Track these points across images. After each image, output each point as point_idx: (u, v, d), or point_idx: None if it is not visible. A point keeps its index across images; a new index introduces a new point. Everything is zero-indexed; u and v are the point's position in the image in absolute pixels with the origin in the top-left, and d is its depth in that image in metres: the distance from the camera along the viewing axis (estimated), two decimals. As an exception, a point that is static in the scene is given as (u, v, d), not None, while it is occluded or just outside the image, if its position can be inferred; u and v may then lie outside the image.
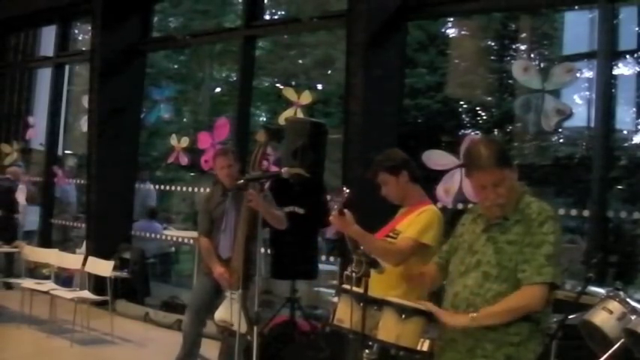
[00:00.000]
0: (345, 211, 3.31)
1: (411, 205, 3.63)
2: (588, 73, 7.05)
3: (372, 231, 3.61)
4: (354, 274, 3.49)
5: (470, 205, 5.07)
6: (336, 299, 3.05)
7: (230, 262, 4.74)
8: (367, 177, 3.71)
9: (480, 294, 2.67)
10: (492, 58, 10.45)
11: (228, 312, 4.50)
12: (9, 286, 7.99)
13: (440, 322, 2.76)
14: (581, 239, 6.93)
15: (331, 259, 6.84)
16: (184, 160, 8.26)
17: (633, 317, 3.35)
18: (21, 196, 9.68)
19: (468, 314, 2.64)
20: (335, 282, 3.77)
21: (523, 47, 9.77)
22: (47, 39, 11.01)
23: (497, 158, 2.65)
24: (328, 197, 5.85)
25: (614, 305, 3.43)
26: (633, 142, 8.38)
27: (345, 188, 3.32)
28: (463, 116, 10.66)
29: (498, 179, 2.66)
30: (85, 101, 9.21)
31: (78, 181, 10.10)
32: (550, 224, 2.65)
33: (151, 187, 10.11)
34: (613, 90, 5.76)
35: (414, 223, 3.50)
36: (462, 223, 2.95)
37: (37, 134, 10.49)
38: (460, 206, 5.69)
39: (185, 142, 8.21)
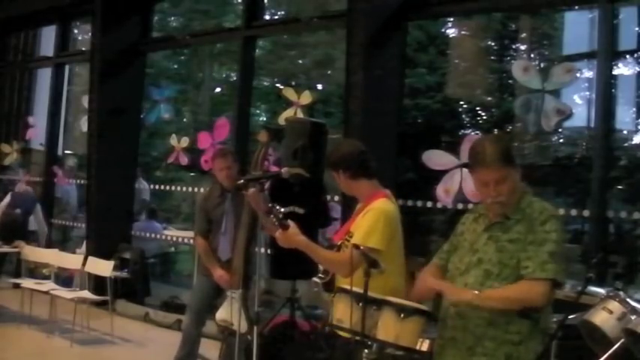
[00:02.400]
0: (289, 222, 3.24)
1: (363, 200, 3.48)
2: (588, 73, 7.05)
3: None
4: (320, 280, 3.50)
5: (470, 205, 5.07)
6: (326, 296, 3.03)
7: (230, 263, 4.74)
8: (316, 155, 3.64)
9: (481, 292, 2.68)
10: (492, 58, 10.45)
11: (228, 312, 4.50)
12: (17, 286, 7.96)
13: (442, 316, 2.76)
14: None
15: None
16: (184, 160, 8.26)
17: (633, 317, 3.35)
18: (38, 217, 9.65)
19: (473, 291, 2.64)
20: (316, 279, 3.73)
21: (523, 47, 9.77)
22: (47, 39, 11.01)
23: (503, 156, 2.66)
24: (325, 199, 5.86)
25: (614, 305, 3.43)
26: (633, 142, 8.38)
27: (274, 205, 3.20)
28: (463, 116, 10.66)
29: (501, 177, 2.66)
30: (85, 101, 9.21)
31: (78, 181, 10.10)
32: (552, 223, 2.66)
33: (144, 184, 10.09)
34: (613, 90, 5.76)
35: (359, 226, 3.33)
36: (462, 222, 2.96)
37: (37, 134, 10.49)
38: (460, 206, 5.69)
39: (185, 142, 8.22)
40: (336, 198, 6.50)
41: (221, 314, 4.60)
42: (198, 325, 5.04)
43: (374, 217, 3.29)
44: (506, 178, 2.67)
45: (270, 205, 3.27)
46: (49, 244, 9.39)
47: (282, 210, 3.21)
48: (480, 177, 2.71)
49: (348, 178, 3.45)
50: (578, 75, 5.67)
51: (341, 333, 3.05)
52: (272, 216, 3.22)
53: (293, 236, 3.27)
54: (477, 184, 2.76)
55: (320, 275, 3.58)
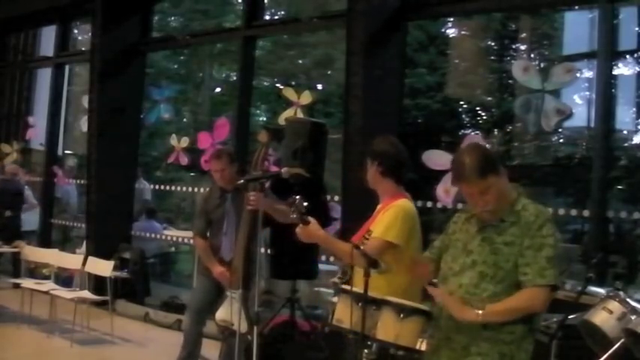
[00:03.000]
0: (310, 218, 3.28)
1: (383, 200, 3.56)
2: (588, 73, 7.04)
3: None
4: (339, 280, 3.52)
5: (463, 206, 5.07)
6: (335, 299, 3.05)
7: (231, 262, 4.73)
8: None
9: (475, 293, 2.68)
10: (492, 58, 10.45)
11: (228, 312, 4.50)
12: (17, 286, 7.97)
13: (437, 318, 2.75)
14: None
15: (331, 259, 6.84)
16: (184, 160, 8.26)
17: (633, 317, 3.36)
18: (31, 196, 9.74)
19: (475, 311, 2.64)
20: (336, 279, 3.74)
21: (523, 47, 9.76)
22: (47, 39, 11.01)
23: (480, 168, 2.64)
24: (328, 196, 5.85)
25: (614, 305, 3.43)
26: (633, 142, 8.37)
27: (297, 198, 3.25)
28: (463, 116, 10.66)
29: (483, 188, 2.66)
30: (85, 101, 9.21)
31: (78, 181, 10.10)
32: (548, 227, 2.67)
33: (145, 183, 10.09)
34: (613, 90, 5.76)
35: (380, 221, 3.43)
36: (454, 221, 2.95)
37: (37, 134, 10.50)
38: (460, 206, 5.68)
39: (185, 142, 8.21)
40: (336, 198, 6.50)
41: (221, 314, 4.60)
42: (198, 325, 5.04)
43: (394, 214, 3.40)
44: (489, 188, 2.66)
45: (293, 197, 3.31)
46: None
47: (305, 204, 3.26)
48: (464, 190, 2.73)
49: (379, 172, 3.53)
50: (578, 75, 5.67)
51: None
52: (293, 209, 3.26)
53: (314, 231, 3.33)
54: (464, 196, 2.77)
55: (339, 276, 3.60)
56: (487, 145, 2.86)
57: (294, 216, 3.27)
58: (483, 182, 2.65)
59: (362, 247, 3.12)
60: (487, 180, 2.65)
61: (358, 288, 2.88)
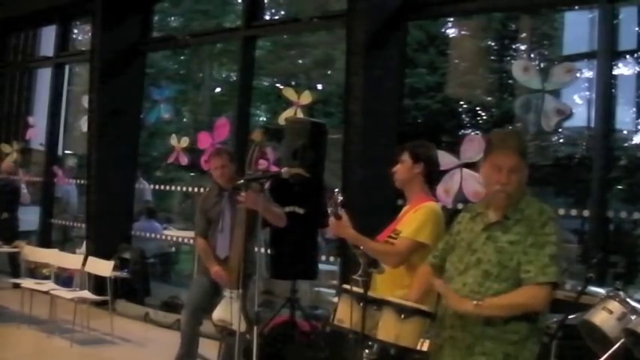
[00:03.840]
0: (342, 213, 3.33)
1: (411, 201, 3.62)
2: (588, 73, 7.04)
3: (374, 231, 3.63)
4: (360, 278, 3.54)
5: (468, 205, 5.06)
6: (336, 299, 3.06)
7: (227, 261, 4.74)
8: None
9: (480, 292, 2.68)
10: (492, 58, 10.45)
11: (226, 312, 4.50)
12: (16, 286, 7.97)
13: (440, 316, 2.76)
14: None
15: (331, 259, 6.84)
16: (184, 160, 8.25)
17: (633, 317, 3.36)
18: (25, 195, 9.76)
19: (472, 301, 2.64)
20: (335, 282, 3.77)
21: (523, 47, 9.77)
22: (47, 39, 11.00)
23: (523, 147, 2.73)
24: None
25: (614, 305, 3.44)
26: (633, 142, 8.37)
27: (336, 191, 3.33)
28: (463, 116, 10.66)
29: (516, 166, 2.69)
30: (85, 101, 9.21)
31: (78, 181, 10.10)
32: (551, 225, 2.67)
33: (145, 184, 10.10)
34: (613, 90, 5.76)
35: (411, 221, 3.49)
36: (458, 221, 2.96)
37: (37, 134, 10.49)
38: (460, 206, 5.68)
39: (185, 142, 8.21)
40: (336, 191, 6.48)
41: (218, 314, 4.60)
42: (194, 323, 5.03)
43: (425, 215, 3.47)
44: (519, 169, 2.70)
45: (332, 190, 3.44)
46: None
47: (341, 198, 3.36)
48: (497, 161, 2.71)
49: (421, 173, 3.60)
50: (578, 75, 5.66)
51: None
52: (331, 202, 3.35)
53: (344, 227, 3.39)
54: (490, 170, 2.74)
55: (360, 274, 3.61)
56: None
57: (331, 208, 3.36)
58: (520, 161, 2.70)
59: (362, 248, 3.14)
60: (523, 161, 2.71)
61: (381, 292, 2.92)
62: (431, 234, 3.41)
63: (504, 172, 2.69)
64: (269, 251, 5.97)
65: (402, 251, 3.40)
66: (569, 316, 3.47)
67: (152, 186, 10.20)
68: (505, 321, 2.66)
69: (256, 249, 4.59)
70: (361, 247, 3.09)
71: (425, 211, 3.49)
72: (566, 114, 5.57)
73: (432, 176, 3.68)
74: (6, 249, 8.64)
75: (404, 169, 3.60)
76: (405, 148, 3.64)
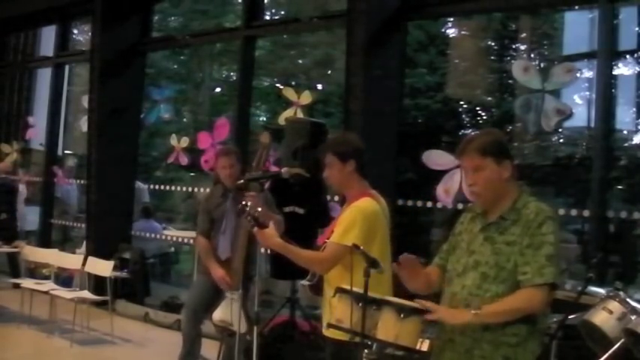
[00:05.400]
0: (269, 222, 3.34)
1: (349, 200, 3.50)
2: (588, 73, 7.03)
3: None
4: (308, 282, 3.54)
5: (469, 205, 5.06)
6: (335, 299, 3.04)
7: (229, 262, 4.73)
8: (316, 155, 3.57)
9: (478, 295, 2.67)
10: (492, 58, 10.43)
11: (226, 312, 4.50)
12: (16, 286, 7.97)
13: (440, 321, 2.75)
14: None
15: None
16: (184, 160, 8.26)
17: (633, 317, 3.35)
18: (22, 195, 9.76)
19: (470, 311, 2.63)
20: (304, 282, 3.76)
21: (523, 47, 9.75)
22: (47, 39, 11.01)
23: (483, 146, 2.70)
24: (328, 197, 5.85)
25: (614, 305, 3.43)
26: (633, 142, 8.36)
27: (245, 203, 3.31)
28: (463, 116, 10.65)
29: (476, 166, 2.70)
30: (85, 101, 9.21)
31: (78, 181, 10.10)
32: (549, 224, 2.64)
33: (140, 184, 10.09)
34: (613, 90, 5.76)
35: (339, 224, 3.38)
36: (460, 221, 2.95)
37: (37, 134, 10.50)
38: (460, 206, 5.69)
39: (185, 142, 8.22)
40: (336, 198, 6.50)
41: (218, 315, 4.60)
42: (195, 323, 5.03)
43: (351, 215, 3.35)
44: (482, 168, 2.69)
45: (242, 204, 3.35)
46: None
47: (259, 209, 3.31)
48: (462, 164, 2.81)
49: (354, 170, 3.44)
50: (578, 75, 5.66)
51: (336, 335, 3.06)
52: (247, 215, 3.32)
53: (270, 237, 3.34)
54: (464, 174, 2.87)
55: (308, 277, 3.63)
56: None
57: (249, 219, 3.30)
58: (480, 160, 2.69)
59: (362, 248, 3.09)
60: (484, 160, 2.68)
61: (357, 288, 2.88)
62: (359, 234, 3.24)
63: (469, 174, 2.75)
64: (269, 251, 5.96)
65: (328, 258, 3.30)
66: (569, 316, 3.47)
67: (152, 186, 10.20)
68: (504, 324, 2.64)
69: (257, 249, 4.59)
70: (361, 247, 3.08)
71: (350, 212, 3.37)
72: (566, 114, 5.57)
73: (364, 165, 3.47)
74: (6, 249, 8.64)
75: (335, 173, 3.45)
76: (329, 150, 3.48)
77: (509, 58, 10.00)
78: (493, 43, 10.40)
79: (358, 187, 3.48)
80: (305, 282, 3.63)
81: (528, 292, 2.59)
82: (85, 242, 8.75)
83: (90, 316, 6.75)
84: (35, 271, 8.34)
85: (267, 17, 8.88)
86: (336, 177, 3.48)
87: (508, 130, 9.37)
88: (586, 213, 5.40)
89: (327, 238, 3.44)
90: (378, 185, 3.66)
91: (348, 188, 3.51)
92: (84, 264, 7.11)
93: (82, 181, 9.54)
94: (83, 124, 9.36)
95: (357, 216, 3.32)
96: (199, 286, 5.11)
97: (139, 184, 9.96)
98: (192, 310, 5.03)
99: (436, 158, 5.86)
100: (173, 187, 10.11)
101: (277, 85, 12.11)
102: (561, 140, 9.32)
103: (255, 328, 3.90)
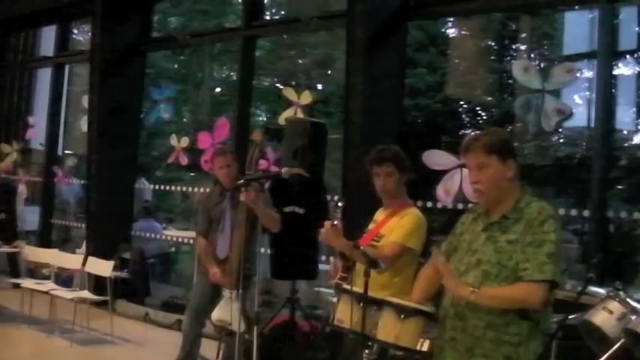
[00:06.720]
0: (338, 222, 3.44)
1: (394, 206, 3.71)
2: (588, 73, 7.03)
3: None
4: (342, 281, 3.60)
5: (470, 205, 5.07)
6: (335, 299, 3.06)
7: (227, 261, 4.74)
8: (372, 162, 3.73)
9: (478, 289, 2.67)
10: (492, 58, 10.43)
11: (224, 312, 4.50)
12: (16, 286, 7.97)
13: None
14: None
15: (331, 259, 6.83)
16: (184, 160, 8.26)
17: (633, 317, 3.35)
18: (21, 196, 9.76)
19: (469, 287, 2.65)
20: (334, 281, 3.78)
21: (523, 47, 9.75)
22: (47, 39, 11.01)
23: (489, 144, 2.72)
24: (328, 197, 5.86)
25: (614, 305, 3.43)
26: (633, 142, 8.35)
27: (337, 198, 3.41)
28: (463, 116, 10.65)
29: (480, 163, 2.72)
30: (85, 101, 9.21)
31: (78, 181, 10.10)
32: (550, 223, 2.65)
33: (146, 183, 10.09)
34: (613, 90, 5.76)
35: (399, 227, 3.60)
36: (462, 221, 2.95)
37: (37, 134, 10.50)
38: (460, 206, 5.69)
39: (185, 142, 8.22)
40: (336, 198, 6.49)
41: (217, 314, 4.60)
42: (196, 325, 5.04)
43: (414, 221, 3.63)
44: (486, 166, 2.71)
45: (338, 198, 3.67)
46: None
47: (341, 205, 3.55)
48: (466, 163, 2.82)
49: (405, 181, 3.75)
50: (578, 75, 5.66)
51: None
52: (333, 207, 3.58)
53: (336, 237, 3.51)
54: (468, 173, 2.86)
55: (342, 275, 3.68)
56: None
57: (334, 216, 3.51)
58: (485, 158, 2.70)
59: (362, 248, 3.20)
60: (489, 158, 2.70)
61: (358, 289, 2.89)
62: (418, 240, 3.58)
63: (473, 171, 2.76)
64: (269, 251, 5.97)
65: (390, 256, 3.50)
66: (569, 316, 3.46)
67: (152, 186, 10.20)
68: (506, 323, 2.64)
69: (256, 249, 4.59)
70: (361, 247, 3.09)
71: (413, 218, 3.65)
72: (566, 114, 5.57)
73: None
74: (6, 249, 8.64)
75: (393, 183, 3.69)
76: (389, 159, 3.71)
77: (509, 58, 10.00)
78: (493, 43, 10.40)
79: (404, 197, 3.78)
80: (339, 280, 3.73)
81: (528, 285, 2.60)
82: (85, 242, 8.75)
83: (90, 316, 6.75)
84: (35, 271, 8.34)
85: (267, 17, 8.88)
86: (393, 187, 3.70)
87: (508, 130, 9.38)
88: (586, 213, 5.40)
89: (371, 239, 3.65)
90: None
91: (394, 195, 3.73)
92: (84, 264, 7.11)
93: (82, 181, 9.53)
94: (83, 124, 9.35)
95: (419, 222, 3.66)
96: (200, 288, 5.12)
97: (144, 183, 9.96)
98: (194, 312, 5.04)
99: (436, 158, 5.86)
100: (173, 187, 10.10)
101: (277, 85, 12.12)
102: (561, 140, 9.32)
103: (255, 328, 3.90)
